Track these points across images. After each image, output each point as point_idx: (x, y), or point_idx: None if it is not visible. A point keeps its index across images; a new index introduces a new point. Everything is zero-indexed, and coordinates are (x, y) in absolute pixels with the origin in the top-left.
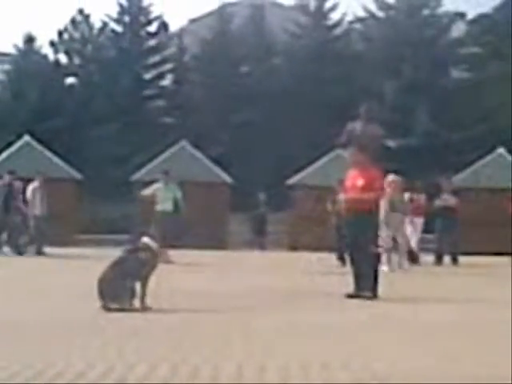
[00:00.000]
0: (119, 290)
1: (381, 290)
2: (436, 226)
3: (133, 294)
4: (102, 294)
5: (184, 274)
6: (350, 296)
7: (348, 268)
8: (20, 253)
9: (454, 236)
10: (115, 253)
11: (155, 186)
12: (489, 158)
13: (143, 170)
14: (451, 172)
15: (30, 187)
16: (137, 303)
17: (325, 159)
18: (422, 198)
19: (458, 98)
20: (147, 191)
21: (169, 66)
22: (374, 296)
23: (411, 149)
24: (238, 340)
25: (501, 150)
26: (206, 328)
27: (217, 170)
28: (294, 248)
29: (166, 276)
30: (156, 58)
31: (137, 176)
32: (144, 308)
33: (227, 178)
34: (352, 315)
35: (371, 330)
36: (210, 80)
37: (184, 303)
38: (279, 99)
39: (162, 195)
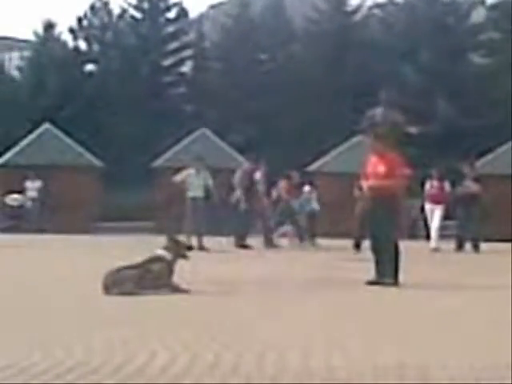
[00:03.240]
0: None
1: (401, 277)
2: (457, 212)
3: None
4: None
5: (220, 263)
6: (371, 283)
7: (364, 254)
8: None
9: (475, 223)
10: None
11: (186, 172)
12: (510, 144)
13: (164, 157)
14: (473, 158)
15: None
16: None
17: (344, 146)
18: (446, 185)
19: (477, 83)
20: (178, 177)
21: (188, 52)
22: (395, 283)
23: (432, 135)
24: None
25: None
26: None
27: (236, 155)
28: (313, 235)
29: (202, 264)
30: (175, 45)
31: (158, 162)
32: None
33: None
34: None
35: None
36: (228, 67)
37: (218, 290)
38: (299, 86)
39: (194, 182)
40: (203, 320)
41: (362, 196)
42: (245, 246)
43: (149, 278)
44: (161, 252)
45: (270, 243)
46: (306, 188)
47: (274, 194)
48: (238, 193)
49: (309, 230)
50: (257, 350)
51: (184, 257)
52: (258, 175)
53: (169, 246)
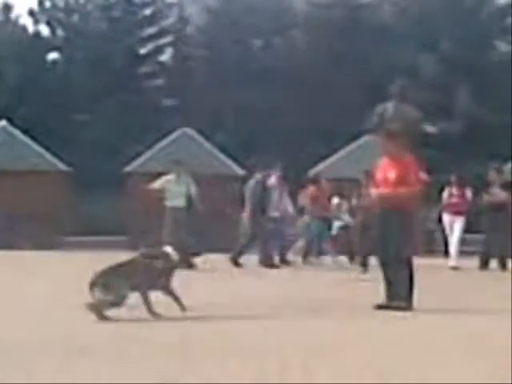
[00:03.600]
0: (114, 291)
1: (415, 299)
2: (483, 224)
3: (147, 302)
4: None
5: (213, 281)
6: (380, 307)
7: (371, 275)
8: None
9: (503, 236)
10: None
11: (165, 178)
12: None
13: (139, 160)
14: (501, 162)
15: None
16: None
17: (351, 147)
18: (467, 193)
19: (505, 75)
20: (156, 184)
21: (168, 39)
22: (409, 307)
23: (452, 135)
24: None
25: None
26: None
27: (225, 159)
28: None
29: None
30: (153, 30)
31: (132, 167)
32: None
33: (238, 170)
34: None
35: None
36: (215, 55)
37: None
38: (297, 78)
39: (174, 189)
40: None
41: (363, 206)
42: (238, 264)
43: (147, 275)
44: (169, 250)
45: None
46: (335, 200)
47: (301, 201)
48: (248, 208)
49: (347, 248)
50: None
51: (190, 266)
52: (271, 181)
53: (178, 247)
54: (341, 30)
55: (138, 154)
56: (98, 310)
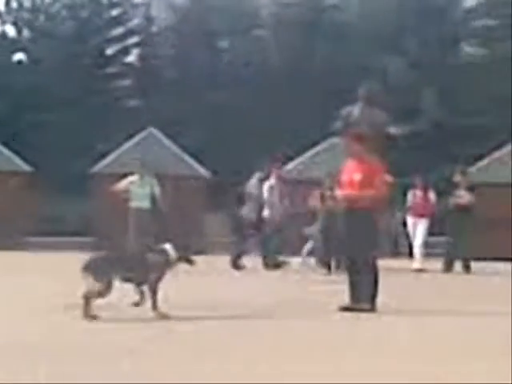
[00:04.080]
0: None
1: (379, 301)
2: (447, 226)
3: (142, 297)
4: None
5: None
6: (345, 309)
7: (334, 276)
8: None
9: (468, 239)
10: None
11: (129, 179)
12: (507, 147)
13: (105, 161)
14: (465, 164)
15: None
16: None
17: (316, 149)
18: (431, 196)
19: (470, 77)
20: (120, 185)
21: (135, 39)
22: (372, 309)
23: (417, 137)
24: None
25: None
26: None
27: (191, 161)
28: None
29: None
30: (120, 31)
31: (97, 168)
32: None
33: (203, 172)
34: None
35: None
36: (181, 55)
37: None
38: (263, 78)
39: (138, 190)
40: None
41: (323, 207)
42: (237, 266)
43: (141, 269)
44: (167, 246)
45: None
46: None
47: (312, 202)
48: (247, 207)
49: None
50: None
51: (189, 262)
52: (271, 181)
53: (178, 244)
54: (307, 31)
55: (104, 155)
56: (85, 305)
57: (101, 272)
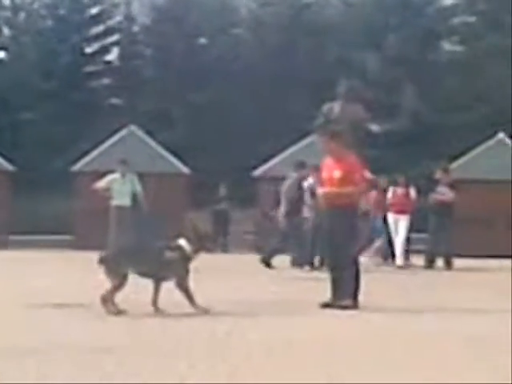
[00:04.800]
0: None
1: (361, 298)
2: (429, 223)
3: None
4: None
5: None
6: (326, 305)
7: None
8: None
9: (449, 235)
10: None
11: (110, 177)
12: (487, 144)
13: (86, 159)
14: (447, 161)
15: None
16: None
17: (297, 147)
18: (412, 192)
19: (450, 74)
20: (101, 183)
21: (114, 37)
22: (354, 305)
23: (397, 134)
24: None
25: (501, 136)
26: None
27: (171, 158)
28: (260, 250)
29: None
30: (99, 29)
31: (78, 166)
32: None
33: (184, 169)
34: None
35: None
36: (161, 54)
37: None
38: (243, 76)
39: (119, 188)
40: None
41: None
42: (268, 265)
43: (158, 265)
44: (182, 242)
45: None
46: None
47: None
48: (283, 207)
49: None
50: None
51: (208, 249)
52: (306, 183)
53: (190, 236)
54: (286, 28)
55: (85, 153)
56: (107, 302)
57: (116, 265)
